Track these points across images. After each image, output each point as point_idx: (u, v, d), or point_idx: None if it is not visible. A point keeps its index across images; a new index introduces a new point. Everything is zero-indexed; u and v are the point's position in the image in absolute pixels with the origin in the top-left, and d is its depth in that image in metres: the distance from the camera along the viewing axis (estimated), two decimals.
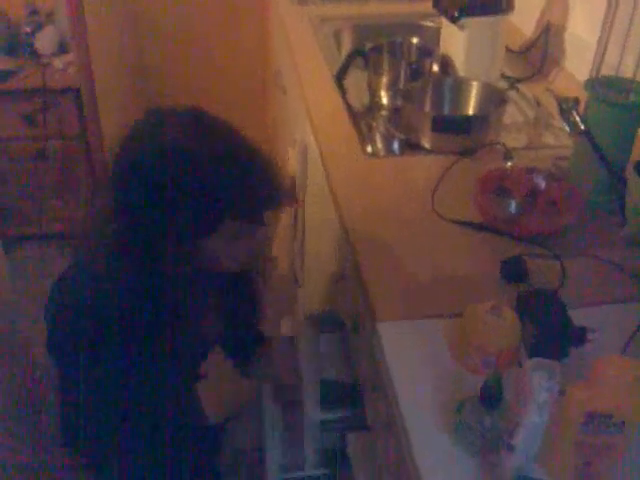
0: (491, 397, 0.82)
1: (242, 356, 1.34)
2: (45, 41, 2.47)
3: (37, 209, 2.64)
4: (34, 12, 2.49)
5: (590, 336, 0.97)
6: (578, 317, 0.99)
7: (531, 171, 1.29)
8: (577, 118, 1.25)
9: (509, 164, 1.32)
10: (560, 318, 0.99)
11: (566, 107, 1.28)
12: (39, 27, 2.48)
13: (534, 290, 1.08)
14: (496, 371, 0.81)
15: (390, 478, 1.12)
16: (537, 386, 0.73)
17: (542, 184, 1.26)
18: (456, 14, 1.61)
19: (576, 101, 1.27)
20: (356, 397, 1.35)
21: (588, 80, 1.27)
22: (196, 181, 0.99)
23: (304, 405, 1.34)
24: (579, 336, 0.98)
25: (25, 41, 2.48)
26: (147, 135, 1.03)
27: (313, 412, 1.29)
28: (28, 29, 2.46)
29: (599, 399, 0.76)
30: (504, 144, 1.42)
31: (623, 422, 0.77)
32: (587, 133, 1.24)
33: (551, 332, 0.98)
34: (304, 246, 1.97)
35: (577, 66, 1.65)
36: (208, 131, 1.04)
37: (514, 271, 1.13)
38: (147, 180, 1.00)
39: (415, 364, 0.99)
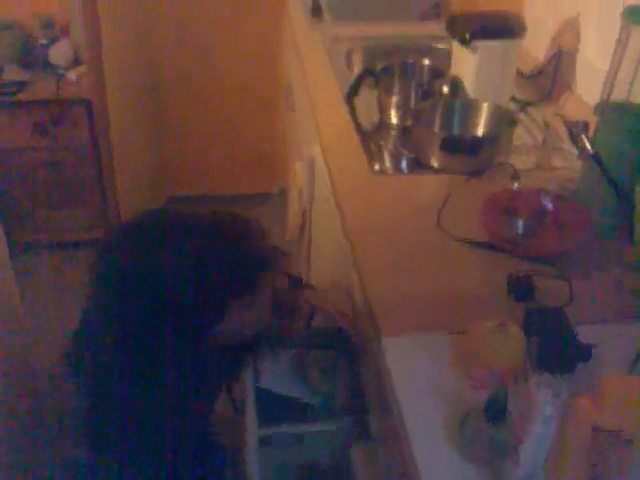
0: (496, 411, 0.82)
1: None
2: (60, 53, 2.50)
3: (47, 218, 2.66)
4: (49, 25, 2.53)
5: (597, 353, 0.97)
6: (585, 335, 0.99)
7: (539, 192, 1.29)
8: (586, 142, 1.25)
9: (516, 185, 1.32)
10: (566, 334, 0.99)
11: (575, 131, 1.28)
12: (54, 40, 2.51)
13: (541, 307, 1.08)
14: (502, 385, 0.81)
15: None
16: (543, 400, 0.72)
17: (549, 205, 1.26)
18: (468, 37, 1.63)
19: (585, 125, 1.28)
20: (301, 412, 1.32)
21: (598, 104, 1.28)
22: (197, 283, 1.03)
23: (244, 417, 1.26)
24: (585, 352, 0.97)
25: (40, 53, 2.51)
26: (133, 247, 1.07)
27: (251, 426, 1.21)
28: (44, 41, 2.49)
29: (606, 415, 0.76)
30: (512, 165, 1.43)
31: (630, 440, 0.77)
32: (596, 156, 1.24)
33: (557, 347, 0.98)
34: (310, 259, 1.97)
35: (587, 91, 1.66)
36: (199, 232, 1.08)
37: (521, 289, 1.13)
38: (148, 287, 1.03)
39: (419, 379, 0.98)
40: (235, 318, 1.11)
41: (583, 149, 1.28)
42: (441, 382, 0.98)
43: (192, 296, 1.03)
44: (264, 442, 1.24)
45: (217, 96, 2.90)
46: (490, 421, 0.82)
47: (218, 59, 2.82)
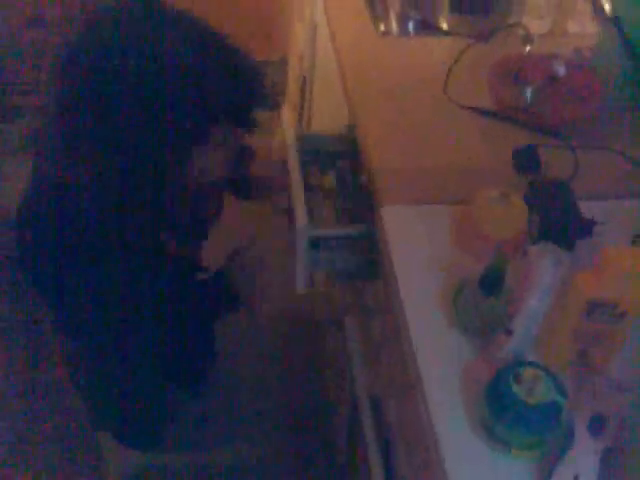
0: (492, 282, 0.81)
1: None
2: None
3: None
4: None
5: (598, 229, 0.96)
6: (588, 209, 0.97)
7: (550, 58, 1.22)
8: (605, 4, 1.17)
9: (528, 49, 1.25)
10: (569, 209, 0.97)
11: None
12: None
13: (545, 180, 1.05)
14: (501, 254, 0.80)
15: (385, 355, 1.14)
16: (542, 270, 0.72)
17: (561, 71, 1.20)
18: None
19: None
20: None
21: None
22: (184, 85, 0.92)
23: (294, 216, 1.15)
24: (587, 228, 0.96)
25: None
26: (123, 36, 0.93)
27: (301, 226, 1.09)
28: None
29: (604, 288, 0.75)
30: (524, 26, 1.34)
31: (625, 312, 0.77)
32: (615, 20, 1.17)
33: (558, 222, 0.96)
34: (311, 125, 1.92)
35: None
36: (191, 34, 0.96)
37: (526, 160, 1.10)
38: (125, 83, 0.90)
39: (417, 249, 0.98)
40: (213, 145, 1.02)
41: (602, 12, 1.20)
42: (440, 253, 0.97)
43: (190, 95, 0.92)
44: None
45: None
46: (485, 292, 0.81)
47: None
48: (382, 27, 1.45)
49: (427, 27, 1.44)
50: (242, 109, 1.02)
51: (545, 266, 0.71)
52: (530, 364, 0.76)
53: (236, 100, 0.99)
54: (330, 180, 1.23)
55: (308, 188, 1.18)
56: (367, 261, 1.13)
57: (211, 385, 1.69)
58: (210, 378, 1.68)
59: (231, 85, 0.97)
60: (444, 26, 1.41)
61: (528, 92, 1.19)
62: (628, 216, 1.03)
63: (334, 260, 1.14)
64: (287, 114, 1.79)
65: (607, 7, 1.18)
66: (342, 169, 1.25)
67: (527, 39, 1.27)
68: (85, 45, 0.93)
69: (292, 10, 2.38)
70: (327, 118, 1.68)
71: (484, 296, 0.83)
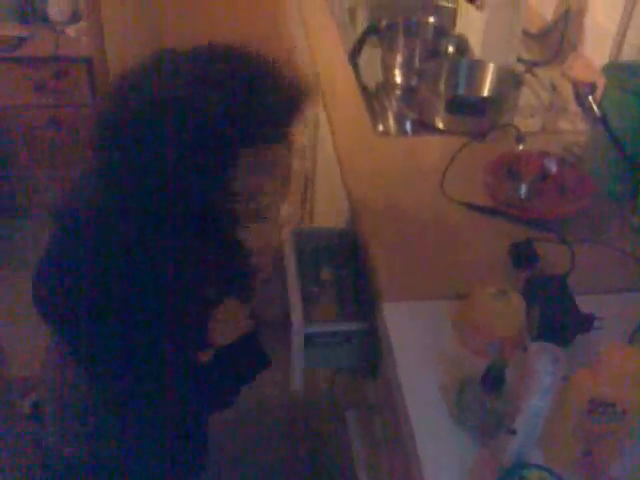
0: (493, 381, 0.82)
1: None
2: (58, 8, 2.45)
3: (48, 178, 2.64)
4: None
5: (596, 324, 0.97)
6: (586, 304, 0.99)
7: (543, 155, 1.27)
8: (593, 104, 1.23)
9: (521, 147, 1.30)
10: (567, 304, 0.99)
11: (582, 92, 1.26)
12: None
13: (542, 275, 1.07)
14: (500, 355, 0.81)
15: (387, 455, 1.12)
16: (541, 370, 0.72)
17: (554, 168, 1.24)
18: None
19: (592, 86, 1.25)
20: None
21: (606, 65, 1.25)
22: (196, 114, 0.90)
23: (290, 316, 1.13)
24: (585, 323, 0.97)
25: (38, 8, 2.46)
26: (139, 82, 0.94)
27: (297, 323, 1.08)
28: None
29: (603, 387, 0.76)
30: (516, 127, 1.40)
31: (626, 411, 0.77)
32: (603, 119, 1.22)
33: (557, 318, 0.97)
34: (313, 221, 1.97)
35: (595, 52, 1.62)
36: (207, 58, 0.97)
37: (523, 255, 1.12)
38: (145, 125, 0.91)
39: (419, 345, 0.98)
40: (245, 171, 0.96)
41: (590, 111, 1.25)
42: (440, 349, 0.98)
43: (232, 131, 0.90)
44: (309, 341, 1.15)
45: None
46: (487, 391, 0.82)
47: (222, 16, 2.75)
48: (381, 127, 1.52)
49: (424, 127, 1.51)
50: (269, 124, 0.96)
51: (543, 366, 0.72)
52: (535, 467, 0.76)
53: (259, 115, 0.94)
54: (328, 274, 1.25)
55: (305, 283, 1.20)
56: (367, 357, 1.13)
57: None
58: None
59: (250, 100, 0.93)
60: (440, 126, 1.47)
61: (522, 188, 1.23)
62: (626, 310, 1.04)
63: (331, 357, 1.14)
64: (287, 209, 1.84)
65: (595, 107, 1.23)
66: (341, 264, 1.27)
67: (519, 138, 1.32)
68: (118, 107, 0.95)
69: None
70: (329, 214, 1.73)
71: (486, 394, 0.83)
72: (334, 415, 1.52)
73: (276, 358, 1.20)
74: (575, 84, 1.30)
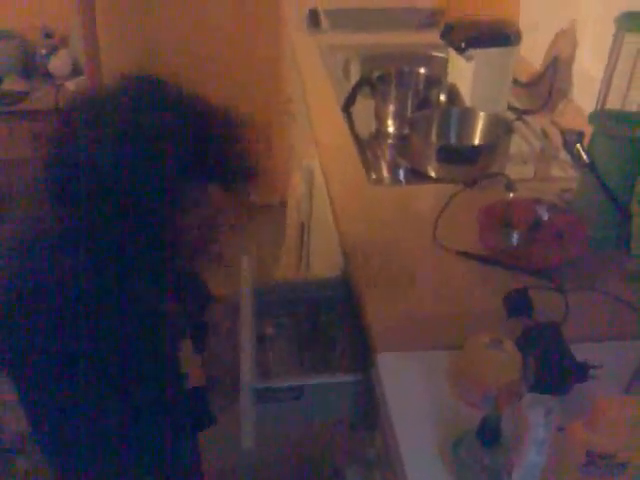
0: (489, 435, 0.81)
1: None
2: (59, 64, 2.51)
3: None
4: (49, 35, 2.53)
5: (592, 372, 0.96)
6: (581, 352, 0.98)
7: (534, 202, 1.28)
8: (581, 151, 1.25)
9: (511, 195, 1.31)
10: (562, 353, 0.98)
11: (570, 140, 1.28)
12: (54, 50, 2.52)
13: (536, 324, 1.07)
14: (494, 408, 0.80)
15: None
16: (534, 422, 0.72)
17: (545, 215, 1.25)
18: (463, 45, 1.63)
19: (580, 134, 1.27)
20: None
21: (592, 113, 1.27)
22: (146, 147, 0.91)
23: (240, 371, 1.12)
24: (581, 372, 0.97)
25: (40, 63, 2.52)
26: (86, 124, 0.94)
27: (247, 377, 1.07)
28: (43, 51, 2.50)
29: (600, 438, 0.75)
30: (506, 175, 1.42)
31: (625, 463, 0.76)
32: (591, 166, 1.24)
33: (552, 367, 0.97)
34: (310, 269, 1.97)
35: (584, 99, 1.66)
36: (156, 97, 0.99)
37: (517, 304, 1.12)
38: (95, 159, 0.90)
39: (414, 397, 0.98)
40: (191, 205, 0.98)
41: (579, 159, 1.27)
42: (436, 400, 0.97)
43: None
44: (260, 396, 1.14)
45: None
46: (483, 445, 0.81)
47: (220, 72, 2.81)
48: (374, 176, 1.53)
49: (416, 175, 1.52)
50: (214, 162, 0.98)
51: (536, 418, 0.72)
52: None
53: (203, 151, 0.96)
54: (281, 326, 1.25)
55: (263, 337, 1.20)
56: (358, 409, 1.12)
57: None
58: None
59: (198, 137, 0.96)
60: (432, 174, 1.49)
61: (515, 236, 1.24)
62: (622, 358, 1.04)
63: (287, 413, 1.13)
64: (285, 259, 1.84)
65: (583, 154, 1.25)
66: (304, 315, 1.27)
67: (509, 186, 1.34)
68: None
69: (293, 158, 2.52)
70: (325, 263, 1.73)
71: (482, 450, 0.82)
72: (333, 470, 1.50)
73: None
74: (563, 132, 1.32)
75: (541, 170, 1.56)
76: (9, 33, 2.56)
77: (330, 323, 1.29)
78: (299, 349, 1.23)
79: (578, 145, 1.26)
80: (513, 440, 0.78)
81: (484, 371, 0.94)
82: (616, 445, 0.76)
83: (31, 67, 2.56)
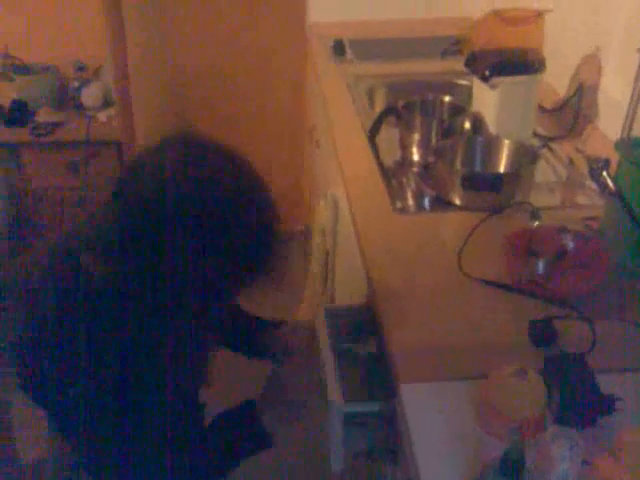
0: (512, 468, 0.80)
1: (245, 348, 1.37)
2: (91, 95, 2.58)
3: None
4: (82, 68, 2.61)
5: (618, 405, 0.95)
6: (608, 383, 0.97)
7: (560, 231, 1.27)
8: (608, 179, 1.24)
9: (536, 224, 1.30)
10: (588, 385, 0.97)
11: (596, 167, 1.27)
12: (86, 82, 2.59)
13: (561, 354, 1.06)
14: (518, 440, 0.79)
15: None
16: (558, 457, 0.71)
17: (571, 244, 1.24)
18: (487, 73, 1.63)
19: (606, 162, 1.26)
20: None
21: (619, 140, 1.26)
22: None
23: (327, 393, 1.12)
24: (607, 404, 0.95)
25: (73, 95, 2.59)
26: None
27: (335, 400, 1.07)
28: (76, 84, 2.57)
29: (625, 474, 0.74)
30: (530, 203, 1.41)
31: None
32: (618, 194, 1.23)
33: (578, 400, 0.96)
34: (334, 297, 1.97)
35: (610, 126, 1.65)
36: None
37: (542, 333, 1.11)
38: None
39: (438, 429, 0.97)
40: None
41: (605, 187, 1.26)
42: (460, 433, 0.96)
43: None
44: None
45: (244, 133, 2.94)
46: (507, 477, 0.80)
47: (245, 98, 2.86)
48: (399, 204, 1.54)
49: (441, 203, 1.52)
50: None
51: (560, 452, 0.71)
52: None
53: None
54: (355, 350, 1.25)
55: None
56: (388, 440, 1.12)
57: None
58: None
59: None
60: (457, 202, 1.49)
61: (540, 265, 1.23)
62: None
63: (363, 438, 1.13)
64: (310, 285, 1.85)
65: (610, 182, 1.24)
66: (364, 340, 1.27)
67: (535, 215, 1.33)
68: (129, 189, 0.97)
69: (316, 186, 2.54)
70: (350, 291, 1.73)
71: None
72: None
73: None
74: (589, 159, 1.31)
75: (567, 198, 1.55)
76: (44, 66, 2.64)
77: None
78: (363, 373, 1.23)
79: (604, 173, 1.25)
80: (537, 474, 0.77)
81: (508, 402, 0.93)
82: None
83: (64, 99, 2.63)
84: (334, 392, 1.11)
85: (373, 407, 1.13)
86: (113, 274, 0.98)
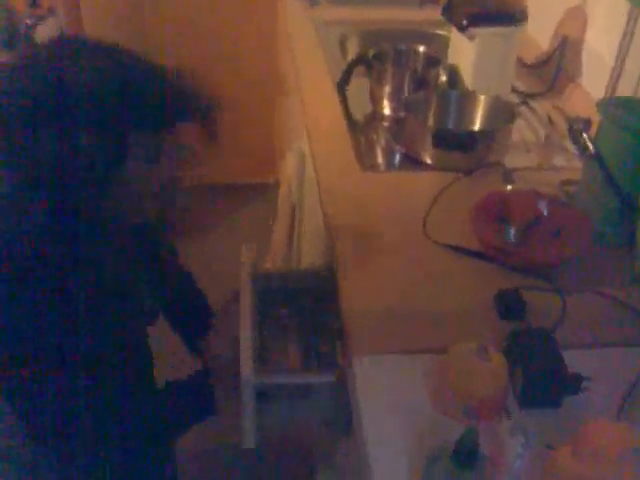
0: (466, 453, 0.73)
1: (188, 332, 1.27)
2: (46, 34, 2.41)
3: None
4: (35, 4, 2.43)
5: (586, 384, 0.88)
6: (575, 359, 0.90)
7: (534, 195, 1.19)
8: (587, 140, 1.15)
9: (509, 187, 1.21)
10: (554, 362, 0.89)
11: (576, 128, 1.18)
12: (40, 19, 2.42)
13: (527, 328, 0.98)
14: (473, 427, 0.72)
15: None
16: (511, 453, 0.63)
17: (545, 210, 1.16)
18: (465, 23, 1.52)
19: (587, 122, 1.17)
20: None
21: (601, 100, 1.17)
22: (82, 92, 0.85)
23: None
24: (573, 384, 0.88)
25: (25, 34, 2.42)
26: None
27: (247, 373, 0.98)
28: (29, 21, 2.40)
29: (584, 467, 0.67)
30: (504, 165, 1.32)
31: None
32: (597, 157, 1.14)
33: (542, 379, 0.88)
34: (300, 257, 1.89)
35: (593, 84, 1.55)
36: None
37: (509, 306, 1.03)
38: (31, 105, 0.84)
39: (390, 405, 0.89)
40: (136, 164, 0.91)
41: (584, 149, 1.17)
42: (413, 410, 0.89)
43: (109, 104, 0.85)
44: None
45: (212, 80, 2.79)
46: (459, 465, 0.72)
47: (215, 47, 2.70)
48: (366, 161, 1.44)
49: (411, 161, 1.43)
50: (158, 108, 0.91)
51: (515, 449, 0.63)
52: None
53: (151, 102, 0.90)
54: (290, 316, 1.16)
55: (264, 327, 1.11)
56: (336, 412, 1.04)
57: None
58: None
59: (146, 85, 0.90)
60: (428, 161, 1.39)
61: (511, 232, 1.15)
62: (621, 366, 0.95)
63: (287, 414, 1.04)
64: (275, 238, 1.76)
65: (589, 144, 1.15)
66: (307, 306, 1.18)
67: (508, 178, 1.24)
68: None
69: (286, 136, 2.42)
70: (314, 247, 1.65)
71: (457, 469, 0.74)
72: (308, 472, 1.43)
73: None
74: (569, 119, 1.22)
75: (544, 160, 1.46)
76: None
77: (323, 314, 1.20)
78: (299, 341, 1.13)
79: (584, 134, 1.16)
80: (489, 465, 0.69)
81: (465, 382, 0.86)
82: (604, 473, 0.67)
83: (16, 38, 2.45)
84: (245, 365, 1.00)
85: (296, 380, 1.04)
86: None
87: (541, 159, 1.46)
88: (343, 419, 1.07)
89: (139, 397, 1.04)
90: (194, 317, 1.28)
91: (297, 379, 1.04)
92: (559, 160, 1.44)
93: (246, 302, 1.11)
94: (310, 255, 1.74)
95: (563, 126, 1.52)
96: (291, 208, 1.88)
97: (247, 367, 1.00)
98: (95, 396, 0.96)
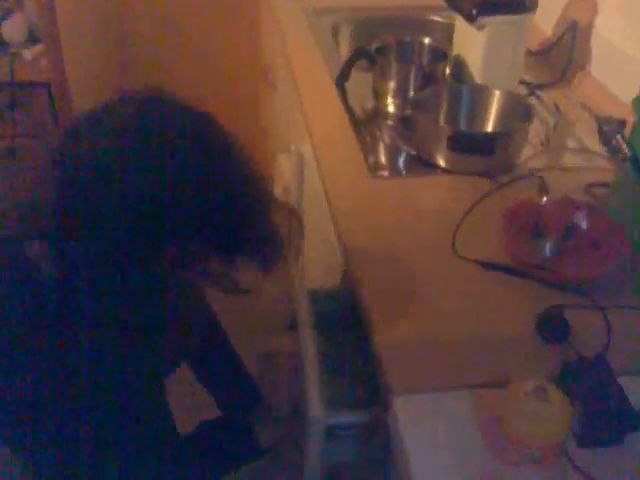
0: None
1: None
2: (13, 29, 2.25)
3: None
4: None
5: None
6: (628, 386, 0.84)
7: (567, 203, 1.11)
8: (623, 143, 1.07)
9: (545, 199, 1.13)
10: (616, 399, 0.83)
11: (609, 129, 1.10)
12: (7, 13, 2.25)
13: (579, 358, 0.91)
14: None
15: None
16: None
17: (582, 220, 1.08)
18: (474, 12, 1.43)
19: (621, 123, 1.10)
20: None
21: (637, 98, 1.08)
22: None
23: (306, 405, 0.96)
24: (636, 420, 0.82)
25: None
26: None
27: (315, 412, 0.93)
28: None
29: None
30: (538, 175, 1.23)
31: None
32: (634, 160, 1.07)
33: (605, 417, 0.82)
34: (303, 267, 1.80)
35: (604, 72, 1.48)
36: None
37: (552, 328, 0.96)
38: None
39: (437, 449, 0.82)
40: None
41: (618, 151, 1.10)
42: (467, 456, 0.81)
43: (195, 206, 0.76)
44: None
45: (190, 73, 2.65)
46: None
47: (191, 34, 2.56)
48: (374, 166, 1.35)
49: (422, 163, 1.34)
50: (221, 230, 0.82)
51: None
52: None
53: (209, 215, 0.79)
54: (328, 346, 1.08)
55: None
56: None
57: None
58: None
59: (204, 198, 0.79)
60: (442, 164, 1.31)
61: (547, 246, 1.07)
62: None
63: (349, 451, 0.98)
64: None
65: (625, 147, 1.07)
66: (340, 332, 1.11)
67: (544, 189, 1.15)
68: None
69: (274, 136, 2.31)
70: (318, 253, 1.56)
71: None
72: None
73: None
74: (599, 119, 1.14)
75: (565, 159, 1.38)
76: None
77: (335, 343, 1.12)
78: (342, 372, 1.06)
79: (618, 136, 1.08)
80: None
81: (527, 429, 0.78)
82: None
83: None
84: (313, 401, 0.94)
85: (360, 418, 0.97)
86: (67, 268, 0.79)
87: (560, 159, 1.38)
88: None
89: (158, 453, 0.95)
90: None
91: (364, 416, 0.97)
92: (578, 160, 1.35)
93: (306, 330, 1.04)
94: (317, 270, 1.65)
95: (573, 117, 1.46)
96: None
97: (314, 403, 0.93)
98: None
